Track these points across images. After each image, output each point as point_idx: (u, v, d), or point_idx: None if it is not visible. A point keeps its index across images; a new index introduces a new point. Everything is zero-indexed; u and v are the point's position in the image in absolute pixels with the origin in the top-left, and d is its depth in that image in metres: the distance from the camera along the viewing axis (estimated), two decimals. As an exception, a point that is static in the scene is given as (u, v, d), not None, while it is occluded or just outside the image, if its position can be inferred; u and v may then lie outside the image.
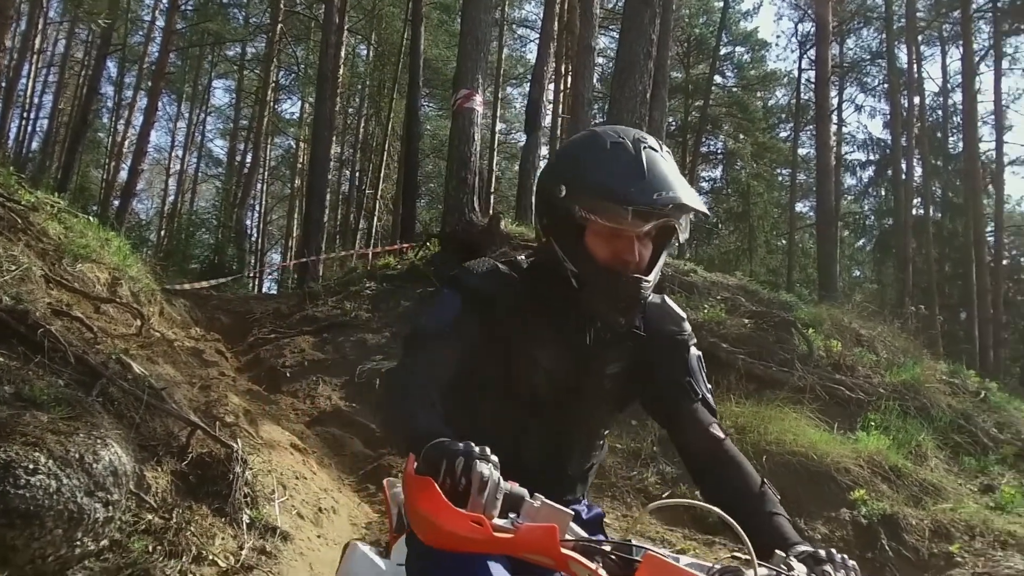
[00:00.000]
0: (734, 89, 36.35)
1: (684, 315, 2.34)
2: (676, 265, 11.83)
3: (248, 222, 35.20)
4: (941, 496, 7.44)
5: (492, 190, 28.06)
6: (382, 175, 30.69)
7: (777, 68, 36.73)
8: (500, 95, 32.49)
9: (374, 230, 29.32)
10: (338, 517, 5.66)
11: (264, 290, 28.46)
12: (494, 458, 1.60)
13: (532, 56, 30.90)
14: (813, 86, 27.96)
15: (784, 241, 35.21)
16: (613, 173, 1.93)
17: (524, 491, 1.59)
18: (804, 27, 32.82)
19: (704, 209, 1.98)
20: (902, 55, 31.61)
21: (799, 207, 35.77)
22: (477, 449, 1.60)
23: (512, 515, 1.55)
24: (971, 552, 6.59)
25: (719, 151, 37.40)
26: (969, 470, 8.34)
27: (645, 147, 1.97)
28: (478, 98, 13.35)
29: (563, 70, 27.43)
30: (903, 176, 29.95)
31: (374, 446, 7.42)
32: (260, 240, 38.40)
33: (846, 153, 34.81)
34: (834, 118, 30.88)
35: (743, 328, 9.93)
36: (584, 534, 1.63)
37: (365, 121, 34.97)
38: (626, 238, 2.01)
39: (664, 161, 1.97)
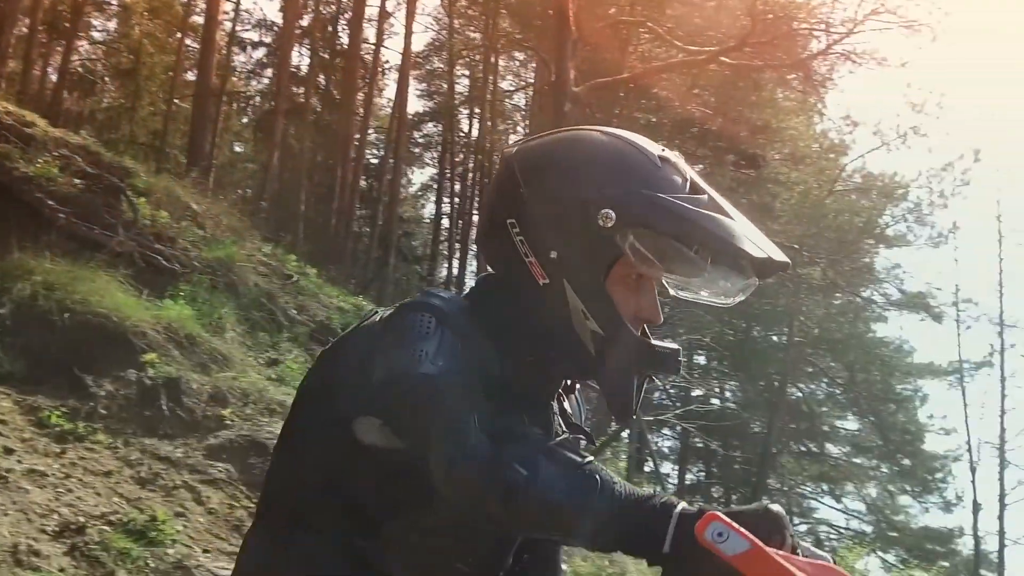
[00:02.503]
0: (135, -62, 34.41)
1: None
2: (18, 115, 11.15)
3: None
4: (229, 365, 8.12)
5: None
6: None
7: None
8: None
9: None
10: None
11: None
12: None
13: None
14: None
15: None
16: (692, 206, 1.39)
17: None
18: None
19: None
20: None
21: (189, 76, 35.19)
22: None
23: None
24: (241, 416, 7.38)
25: (114, 3, 35.28)
26: (262, 344, 9.18)
27: (693, 169, 1.47)
28: None
29: None
30: (289, 63, 30.88)
31: None
32: None
33: (241, 31, 34.86)
34: (230, -7, 30.72)
35: (73, 188, 9.76)
36: None
37: None
38: (649, 290, 1.49)
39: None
